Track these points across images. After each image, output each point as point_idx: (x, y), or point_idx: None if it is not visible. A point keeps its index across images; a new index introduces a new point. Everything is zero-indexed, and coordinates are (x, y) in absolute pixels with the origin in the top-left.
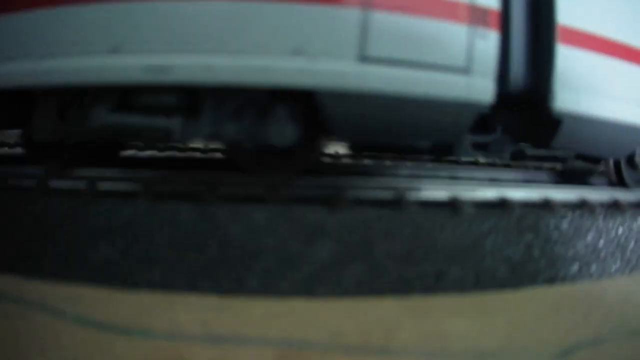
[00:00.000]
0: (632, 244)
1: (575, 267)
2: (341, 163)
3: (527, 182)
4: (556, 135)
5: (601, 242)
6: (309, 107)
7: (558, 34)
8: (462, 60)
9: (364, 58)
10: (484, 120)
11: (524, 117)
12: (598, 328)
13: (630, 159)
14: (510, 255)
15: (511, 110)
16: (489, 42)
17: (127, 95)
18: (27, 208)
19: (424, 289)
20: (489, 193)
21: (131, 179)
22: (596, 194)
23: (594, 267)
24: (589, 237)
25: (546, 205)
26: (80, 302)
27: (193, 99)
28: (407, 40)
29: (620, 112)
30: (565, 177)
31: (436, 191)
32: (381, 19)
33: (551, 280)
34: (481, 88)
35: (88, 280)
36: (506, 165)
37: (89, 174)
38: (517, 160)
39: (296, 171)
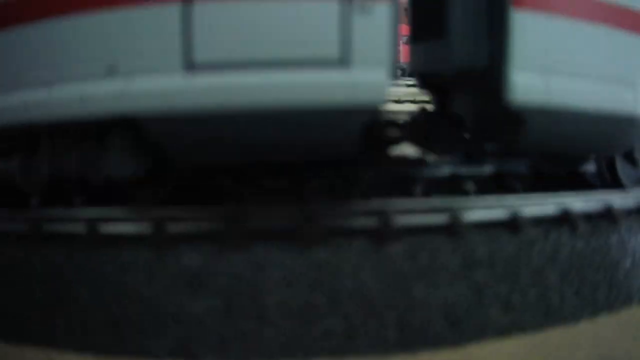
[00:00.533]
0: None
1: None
2: None
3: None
4: (522, 135)
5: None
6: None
7: None
8: (335, 50)
9: (191, 66)
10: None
11: (479, 108)
12: None
13: (629, 155)
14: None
15: (465, 97)
16: (374, 19)
17: None
18: None
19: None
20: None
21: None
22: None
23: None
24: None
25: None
26: None
27: (31, 139)
28: (245, 33)
29: (610, 98)
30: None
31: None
32: (209, 10)
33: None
34: (368, 84)
35: None
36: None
37: None
38: (476, 158)
39: (157, 200)
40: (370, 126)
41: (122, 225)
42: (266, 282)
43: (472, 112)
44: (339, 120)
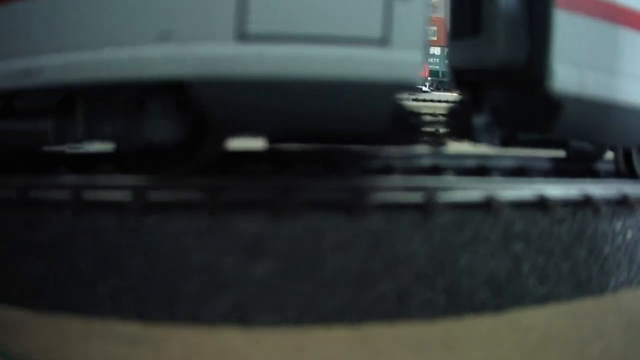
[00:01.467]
0: None
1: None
2: None
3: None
4: (556, 122)
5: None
6: (190, 99)
7: None
8: (377, 30)
9: (244, 37)
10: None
11: (517, 98)
12: None
13: None
14: (494, 272)
15: (502, 89)
16: (413, 5)
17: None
18: None
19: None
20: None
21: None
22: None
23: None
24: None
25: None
26: (6, 329)
27: (67, 100)
28: (297, 10)
29: (635, 93)
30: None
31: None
32: None
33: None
34: (405, 64)
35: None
36: None
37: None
38: (509, 147)
39: (191, 168)
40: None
41: (171, 192)
42: (323, 248)
43: (509, 104)
44: (377, 93)
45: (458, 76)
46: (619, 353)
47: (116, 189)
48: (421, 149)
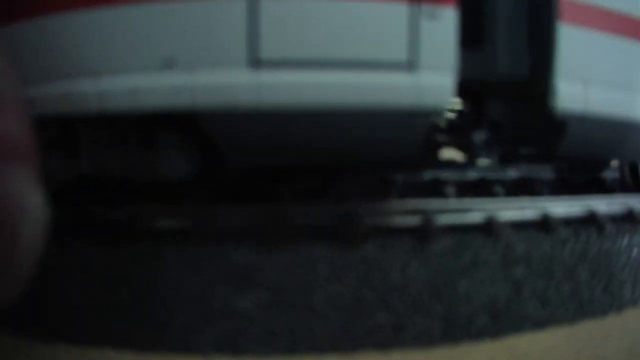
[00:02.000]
0: None
1: (574, 305)
2: None
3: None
4: (559, 140)
5: (610, 269)
6: (201, 132)
7: (560, 11)
8: (404, 53)
9: (257, 63)
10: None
11: (518, 115)
12: None
13: None
14: (493, 297)
15: (502, 105)
16: (442, 24)
17: None
18: None
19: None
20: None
21: None
22: (605, 204)
23: (598, 303)
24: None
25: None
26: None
27: (71, 132)
28: (313, 33)
29: None
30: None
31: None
32: (276, 6)
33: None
34: (434, 88)
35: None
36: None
37: None
38: (509, 162)
39: (203, 200)
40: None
41: (164, 221)
42: (315, 277)
43: (510, 118)
44: (404, 121)
45: (459, 87)
46: None
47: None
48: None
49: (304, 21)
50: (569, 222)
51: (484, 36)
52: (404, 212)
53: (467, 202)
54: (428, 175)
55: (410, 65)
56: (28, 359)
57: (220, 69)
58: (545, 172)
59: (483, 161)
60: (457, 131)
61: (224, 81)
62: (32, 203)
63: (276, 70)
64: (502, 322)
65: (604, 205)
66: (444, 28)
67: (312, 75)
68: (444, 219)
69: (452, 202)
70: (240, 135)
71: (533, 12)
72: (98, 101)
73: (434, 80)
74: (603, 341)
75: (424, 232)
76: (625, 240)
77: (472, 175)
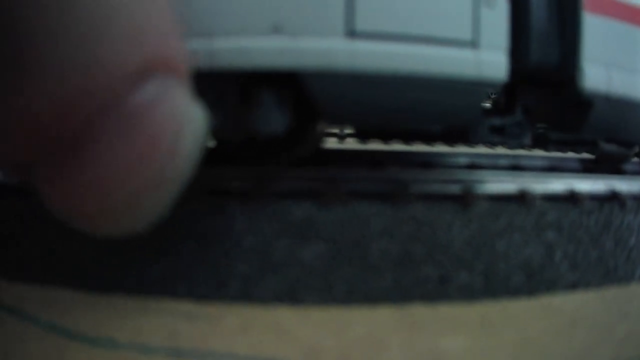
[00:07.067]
0: None
1: (600, 270)
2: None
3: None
4: (587, 120)
5: (632, 241)
6: (297, 91)
7: (584, 2)
8: (468, 33)
9: (352, 33)
10: (500, 102)
11: (548, 99)
12: (622, 347)
13: None
14: (528, 258)
15: (534, 91)
16: (497, 11)
17: None
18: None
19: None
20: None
21: None
22: (625, 184)
23: (622, 270)
24: (619, 235)
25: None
26: (56, 306)
27: None
28: (400, 12)
29: None
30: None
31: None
32: None
33: (573, 286)
34: (492, 64)
35: (65, 283)
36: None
37: None
38: (540, 147)
39: (291, 160)
40: None
41: (227, 181)
42: (369, 232)
43: (540, 105)
44: (468, 90)
45: None
46: None
47: None
48: (459, 148)
49: (392, 2)
50: (594, 197)
51: (520, 28)
52: (446, 181)
53: (502, 174)
54: (464, 160)
55: (473, 43)
56: (85, 311)
57: (320, 37)
58: (572, 163)
59: (515, 147)
60: (491, 118)
61: (324, 47)
62: (192, 115)
63: (368, 40)
64: (536, 280)
65: (625, 185)
66: (498, 14)
67: (397, 46)
68: (481, 189)
69: (488, 175)
70: (334, 95)
71: (561, 4)
72: (209, 59)
73: (491, 57)
74: (628, 301)
75: (465, 198)
76: None
77: (504, 162)
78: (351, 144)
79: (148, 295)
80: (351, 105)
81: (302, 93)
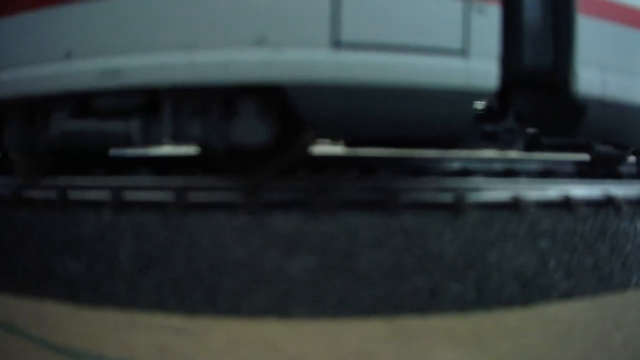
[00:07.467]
0: None
1: (595, 278)
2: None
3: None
4: (580, 124)
5: (628, 247)
6: (282, 102)
7: (578, 4)
8: (458, 42)
9: (337, 44)
10: (492, 107)
11: (542, 103)
12: (618, 356)
13: None
14: (522, 267)
15: (527, 95)
16: (488, 18)
17: (87, 101)
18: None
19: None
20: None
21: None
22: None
23: (618, 277)
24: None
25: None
26: (46, 320)
27: (152, 100)
28: (387, 21)
29: None
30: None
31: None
32: None
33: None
34: (482, 72)
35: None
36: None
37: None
38: (533, 151)
39: (275, 171)
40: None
41: (214, 193)
42: (358, 243)
43: (533, 109)
44: (457, 99)
45: None
46: (639, 344)
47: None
48: (452, 153)
49: (378, 11)
50: (589, 203)
51: (513, 31)
52: (438, 189)
53: (495, 182)
54: (457, 165)
55: (463, 52)
56: (74, 323)
57: (305, 48)
58: (566, 166)
59: (509, 152)
60: (484, 123)
61: (309, 59)
62: None
63: (354, 51)
64: (530, 290)
65: (620, 190)
66: (490, 22)
67: (383, 56)
68: (473, 197)
69: (481, 182)
70: (319, 108)
71: (555, 6)
72: (191, 72)
73: (481, 66)
74: (624, 309)
75: (457, 207)
76: None
77: (498, 166)
78: (341, 147)
79: (138, 309)
80: (337, 117)
81: (286, 105)
